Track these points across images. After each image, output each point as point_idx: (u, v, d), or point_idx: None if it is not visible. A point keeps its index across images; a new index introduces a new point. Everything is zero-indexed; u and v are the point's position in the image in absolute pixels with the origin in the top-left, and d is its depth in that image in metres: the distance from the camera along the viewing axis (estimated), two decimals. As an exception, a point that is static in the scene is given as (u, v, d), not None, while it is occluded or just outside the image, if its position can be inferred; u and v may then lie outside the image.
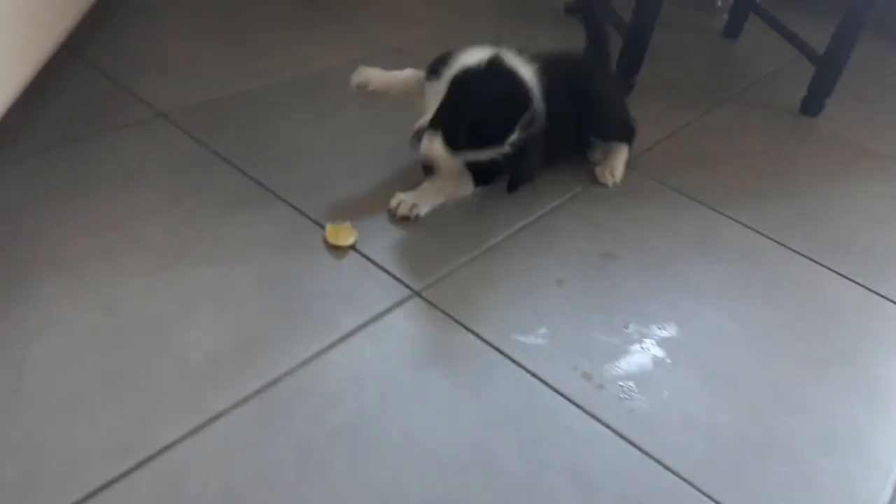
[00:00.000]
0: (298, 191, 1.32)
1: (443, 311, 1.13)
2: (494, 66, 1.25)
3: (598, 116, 1.49)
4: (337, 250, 1.20)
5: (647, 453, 0.97)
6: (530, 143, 1.27)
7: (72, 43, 1.58)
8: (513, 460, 0.93)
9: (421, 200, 1.31)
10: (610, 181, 1.50)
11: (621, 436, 0.99)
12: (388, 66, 1.40)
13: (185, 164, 1.33)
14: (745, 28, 2.36)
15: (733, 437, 1.02)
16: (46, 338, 0.98)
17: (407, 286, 1.16)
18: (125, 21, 1.76)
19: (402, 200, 1.29)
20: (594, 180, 1.51)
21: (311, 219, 1.26)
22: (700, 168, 1.63)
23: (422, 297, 1.15)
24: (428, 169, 1.29)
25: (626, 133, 1.55)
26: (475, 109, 1.23)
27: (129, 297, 1.06)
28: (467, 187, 1.37)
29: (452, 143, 1.24)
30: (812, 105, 1.94)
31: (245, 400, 0.94)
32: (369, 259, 1.20)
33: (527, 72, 1.29)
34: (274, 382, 0.97)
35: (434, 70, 1.33)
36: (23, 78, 1.20)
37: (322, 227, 1.23)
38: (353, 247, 1.21)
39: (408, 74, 1.39)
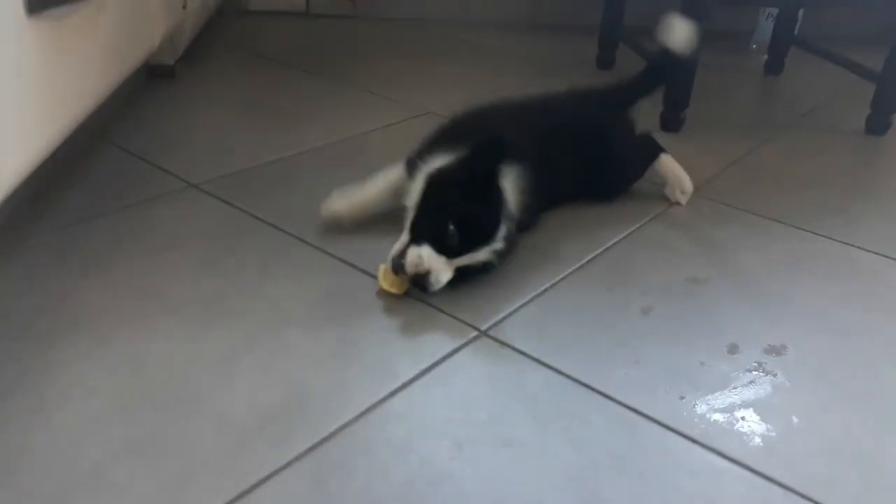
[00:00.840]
0: (343, 244, 1.20)
1: (515, 349, 0.98)
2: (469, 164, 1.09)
3: (623, 165, 1.40)
4: (390, 296, 1.07)
5: (790, 489, 0.79)
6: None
7: (100, 131, 1.54)
8: (627, 507, 0.75)
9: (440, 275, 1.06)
10: (683, 198, 1.38)
11: (754, 471, 0.81)
12: (418, 130, 1.31)
13: (219, 229, 1.24)
14: (787, 63, 2.27)
15: (887, 461, 0.83)
16: (67, 406, 0.85)
17: (471, 325, 1.02)
18: (153, 109, 1.72)
19: (419, 263, 1.04)
20: (662, 207, 1.37)
21: (359, 268, 1.14)
22: (774, 190, 1.49)
23: (489, 336, 1.00)
24: (423, 287, 1.05)
25: (653, 152, 1.42)
26: (462, 206, 1.06)
27: (160, 360, 0.93)
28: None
29: (444, 249, 1.05)
30: (878, 123, 1.81)
31: (297, 458, 0.79)
32: (426, 302, 1.07)
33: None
34: (329, 438, 0.82)
35: (411, 166, 1.20)
36: (44, 146, 1.13)
37: (373, 276, 1.11)
38: (406, 293, 1.08)
39: (384, 181, 1.25)
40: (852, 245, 1.29)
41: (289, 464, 0.79)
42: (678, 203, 1.39)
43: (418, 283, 1.05)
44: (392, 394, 0.89)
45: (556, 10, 2.67)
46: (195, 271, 1.11)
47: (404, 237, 1.08)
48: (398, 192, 1.23)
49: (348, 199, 1.25)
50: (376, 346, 0.97)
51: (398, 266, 1.05)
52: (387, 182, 1.26)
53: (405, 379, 0.92)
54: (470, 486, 0.77)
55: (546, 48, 2.44)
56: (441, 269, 1.04)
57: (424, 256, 1.03)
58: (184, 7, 1.87)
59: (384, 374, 0.93)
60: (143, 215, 1.26)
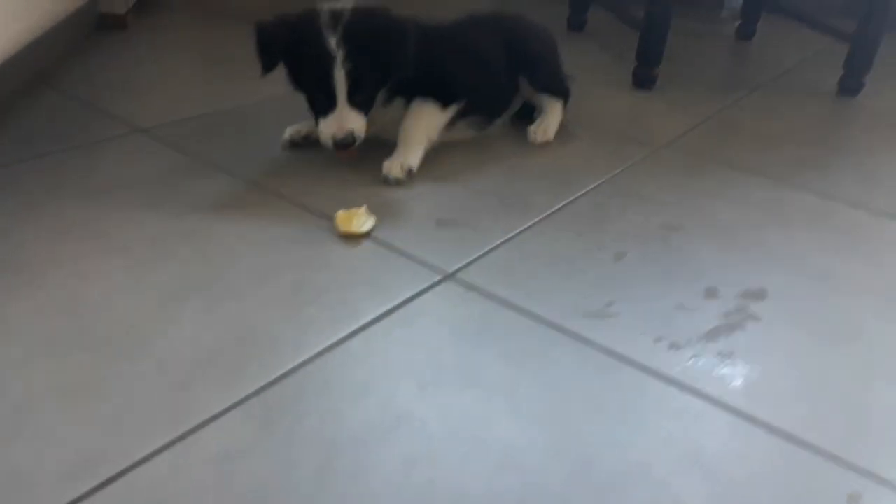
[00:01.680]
0: (299, 187, 1.13)
1: (483, 292, 0.92)
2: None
3: (533, 67, 1.39)
4: (351, 239, 1.01)
5: (773, 428, 0.74)
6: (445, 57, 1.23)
7: (46, 77, 1.44)
8: (609, 452, 0.70)
9: (406, 157, 1.17)
10: (540, 138, 1.36)
11: (736, 411, 0.76)
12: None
13: (167, 173, 1.15)
14: (758, 29, 2.24)
15: (870, 400, 0.79)
16: (-11, 348, 0.77)
17: (437, 268, 0.96)
18: (104, 58, 1.62)
19: (391, 166, 1.16)
20: (633, 159, 1.32)
21: (316, 212, 1.07)
22: (749, 146, 1.44)
23: (456, 280, 0.94)
24: (349, 145, 1.13)
25: (560, 88, 1.43)
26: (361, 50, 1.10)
27: (97, 302, 0.85)
28: (434, 115, 1.23)
29: (356, 102, 1.11)
30: (851, 84, 1.77)
31: (244, 400, 0.73)
32: (389, 245, 1.00)
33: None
34: (280, 379, 0.76)
35: None
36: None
37: (330, 218, 1.04)
38: (368, 234, 1.01)
39: None
40: (828, 197, 1.25)
41: (235, 405, 0.72)
42: (533, 141, 1.36)
43: (347, 144, 1.12)
44: (351, 335, 0.83)
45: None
46: (139, 213, 1.03)
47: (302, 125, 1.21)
48: None
49: (309, 124, 1.26)
50: (335, 288, 0.91)
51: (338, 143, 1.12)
52: None
53: (366, 320, 0.85)
54: (433, 427, 0.71)
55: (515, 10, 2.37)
56: (361, 123, 1.12)
57: (344, 118, 1.10)
58: (135, -48, 1.76)
59: (343, 314, 0.86)
60: (87, 157, 1.18)
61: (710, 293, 0.96)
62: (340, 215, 1.02)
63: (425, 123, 1.22)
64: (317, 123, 1.14)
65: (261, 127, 1.33)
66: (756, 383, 0.80)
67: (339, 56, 1.08)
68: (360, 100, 1.12)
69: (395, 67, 1.14)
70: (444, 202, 1.13)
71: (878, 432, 0.75)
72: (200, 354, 0.78)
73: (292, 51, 1.11)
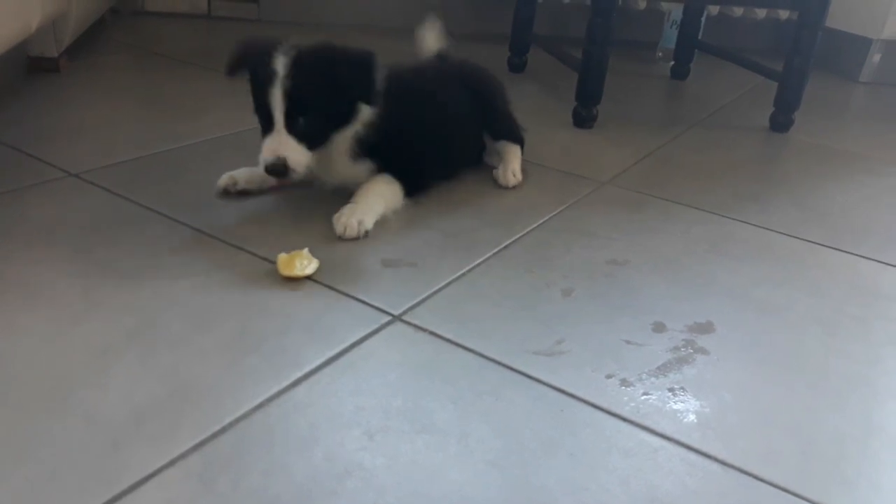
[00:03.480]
0: (238, 231, 1.10)
1: (432, 333, 0.90)
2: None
3: (494, 117, 1.40)
4: (294, 282, 0.98)
5: (727, 464, 0.74)
6: (399, 121, 1.17)
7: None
8: (565, 496, 0.68)
9: (364, 215, 1.12)
10: (512, 181, 1.35)
11: (690, 447, 0.75)
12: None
13: (99, 218, 1.11)
14: (692, 69, 2.32)
15: (821, 430, 0.80)
16: None
17: (383, 310, 0.94)
18: (34, 101, 1.56)
19: (347, 223, 1.10)
20: (577, 196, 1.33)
21: (258, 256, 1.04)
22: (688, 179, 1.47)
23: (403, 321, 0.92)
24: (280, 173, 1.09)
25: (518, 134, 1.44)
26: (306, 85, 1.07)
27: (20, 356, 0.80)
28: (397, 195, 1.19)
29: (298, 130, 1.08)
30: (782, 120, 1.85)
31: (181, 457, 0.68)
32: (333, 288, 0.98)
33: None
34: (220, 433, 0.72)
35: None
36: None
37: (271, 262, 1.01)
38: (311, 277, 0.99)
39: None
40: (768, 229, 1.28)
41: (171, 462, 0.68)
42: (506, 185, 1.35)
43: (277, 171, 1.08)
44: (295, 383, 0.79)
45: (467, 18, 2.64)
46: (68, 261, 0.98)
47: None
48: None
49: (246, 170, 1.22)
50: (277, 334, 0.87)
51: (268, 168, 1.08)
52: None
53: (309, 368, 0.82)
54: (383, 477, 0.68)
55: (456, 53, 2.40)
56: (299, 155, 1.08)
57: (281, 144, 1.07)
58: (67, -6, 1.72)
59: (286, 363, 0.83)
60: (13, 204, 1.12)
61: (658, 327, 0.96)
62: (282, 258, 0.99)
63: (389, 196, 1.18)
64: None
65: (198, 169, 1.30)
66: (708, 418, 0.80)
67: (281, 75, 1.05)
68: (303, 129, 1.08)
69: (350, 97, 1.11)
70: (389, 242, 1.11)
71: (831, 463, 0.75)
72: (134, 409, 0.73)
73: (249, 65, 1.09)
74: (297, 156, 1.09)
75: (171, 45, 2.12)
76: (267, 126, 1.09)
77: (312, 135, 1.10)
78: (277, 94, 1.06)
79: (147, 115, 1.55)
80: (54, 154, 1.29)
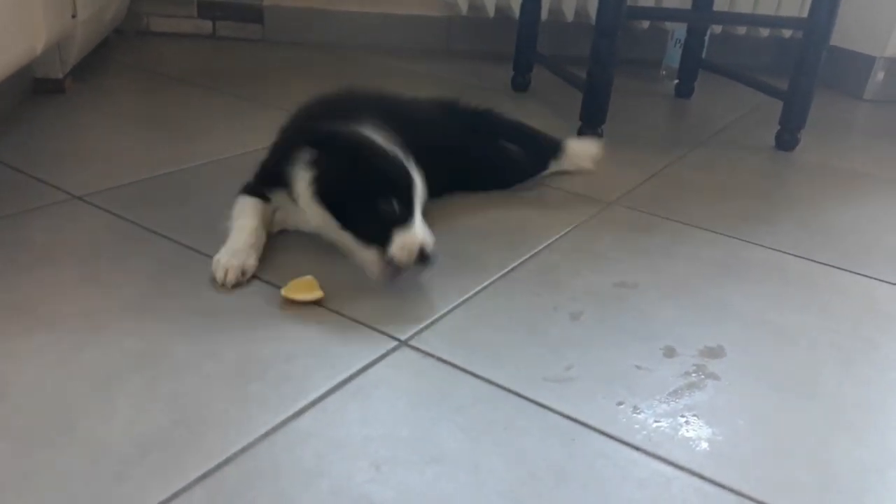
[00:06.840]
0: (245, 254, 1.09)
1: (439, 359, 0.89)
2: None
3: (531, 144, 1.51)
4: (300, 307, 0.96)
5: (744, 495, 0.72)
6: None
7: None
8: (571, 524, 0.67)
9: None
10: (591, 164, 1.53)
11: (704, 477, 0.74)
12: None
13: (103, 241, 1.10)
14: (696, 88, 2.31)
15: (838, 459, 0.78)
16: None
17: (390, 335, 0.92)
18: (38, 123, 1.56)
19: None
20: (584, 217, 1.32)
21: (264, 281, 1.03)
22: (695, 199, 1.47)
23: (410, 346, 0.91)
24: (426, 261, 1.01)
25: (555, 140, 1.54)
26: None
27: (24, 385, 0.79)
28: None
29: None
30: (787, 139, 1.84)
31: (186, 489, 0.67)
32: (339, 313, 0.96)
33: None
34: (225, 463, 0.70)
35: (272, 178, 1.13)
36: None
37: (278, 287, 1.00)
38: (318, 302, 0.98)
39: (254, 220, 1.10)
40: (778, 250, 1.27)
41: (176, 494, 0.66)
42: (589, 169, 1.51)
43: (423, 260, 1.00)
44: (300, 412, 0.78)
45: (471, 37, 2.65)
46: (72, 285, 0.97)
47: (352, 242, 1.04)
48: (271, 220, 1.15)
49: (240, 252, 1.03)
50: (282, 361, 0.86)
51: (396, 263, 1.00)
52: (256, 218, 1.11)
53: (315, 395, 0.81)
54: (392, 510, 0.67)
55: (460, 72, 2.41)
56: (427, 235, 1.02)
57: (421, 232, 1.01)
58: (73, 16, 1.72)
59: (291, 390, 0.81)
60: (16, 227, 1.11)
61: (669, 352, 0.94)
62: (288, 284, 0.98)
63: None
64: None
65: (202, 191, 1.29)
66: (721, 446, 0.78)
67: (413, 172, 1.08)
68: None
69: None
70: (396, 266, 1.10)
71: (847, 490, 0.74)
72: (137, 440, 0.72)
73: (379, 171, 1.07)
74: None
75: (175, 65, 2.13)
76: (398, 218, 1.01)
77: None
78: (419, 188, 1.05)
79: (152, 137, 1.55)
80: (58, 176, 1.29)
